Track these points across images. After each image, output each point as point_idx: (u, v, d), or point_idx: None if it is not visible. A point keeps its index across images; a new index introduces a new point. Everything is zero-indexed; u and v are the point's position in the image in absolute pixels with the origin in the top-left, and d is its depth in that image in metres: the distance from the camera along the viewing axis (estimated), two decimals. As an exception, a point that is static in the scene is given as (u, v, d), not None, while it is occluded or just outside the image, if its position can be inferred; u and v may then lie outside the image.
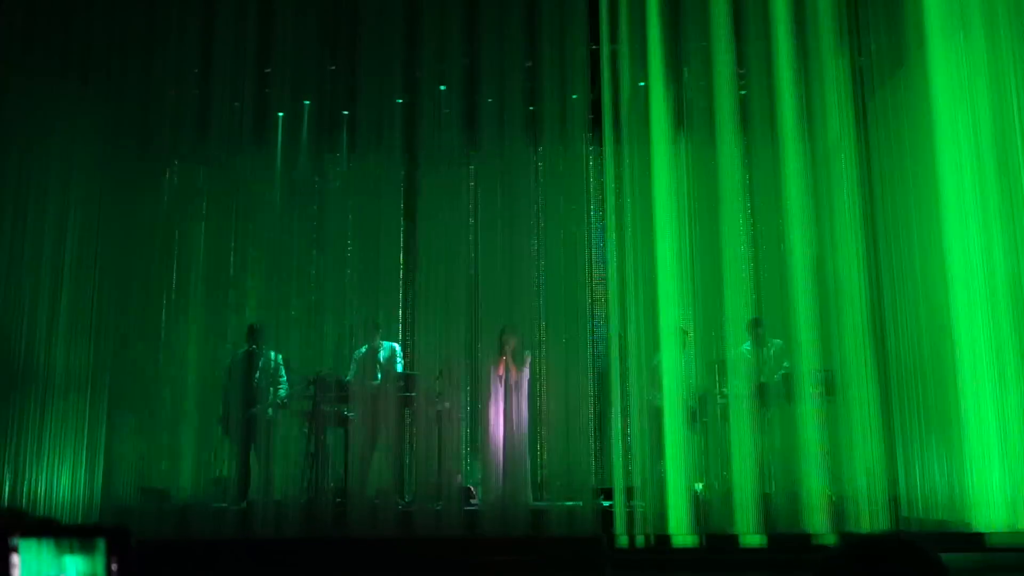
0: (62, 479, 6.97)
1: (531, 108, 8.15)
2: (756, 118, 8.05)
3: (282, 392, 7.84)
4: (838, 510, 7.08)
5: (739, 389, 7.68)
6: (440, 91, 7.95)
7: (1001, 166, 6.74)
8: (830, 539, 6.32)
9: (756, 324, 7.90)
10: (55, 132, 7.40)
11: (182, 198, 7.74)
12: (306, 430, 7.68)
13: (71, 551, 1.92)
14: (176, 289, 7.55)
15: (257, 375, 7.90)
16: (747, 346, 7.99)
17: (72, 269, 7.26)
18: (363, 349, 8.07)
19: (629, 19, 7.61)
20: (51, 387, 7.08)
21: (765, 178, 7.94)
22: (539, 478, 7.72)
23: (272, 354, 7.89)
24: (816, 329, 7.39)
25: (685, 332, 7.66)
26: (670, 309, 7.52)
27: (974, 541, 6.20)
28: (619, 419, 7.44)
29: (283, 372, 7.89)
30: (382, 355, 7.98)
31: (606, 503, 7.41)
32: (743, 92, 8.15)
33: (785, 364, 7.71)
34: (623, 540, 6.61)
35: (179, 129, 7.80)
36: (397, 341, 8.04)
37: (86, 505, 6.92)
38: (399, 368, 7.87)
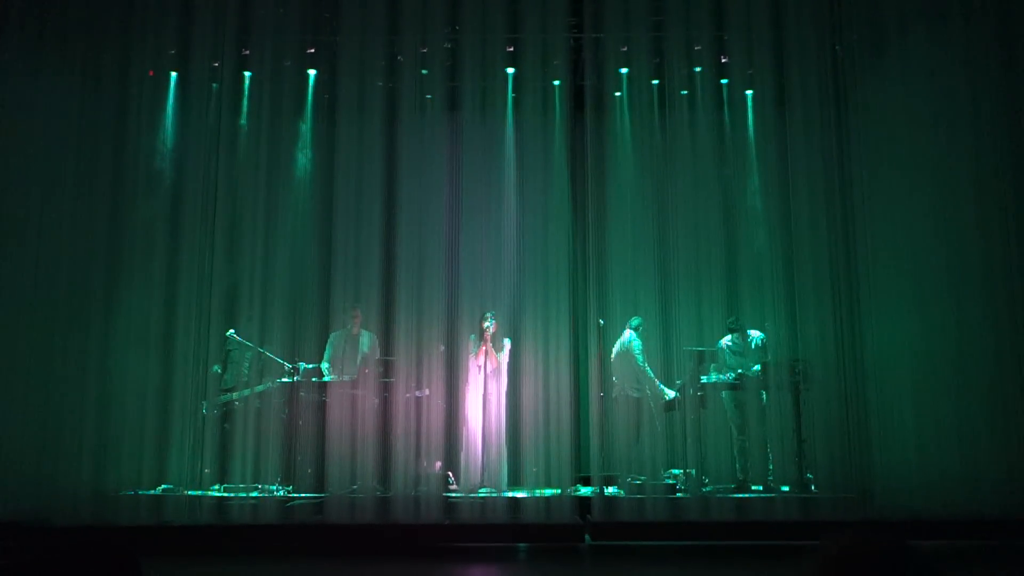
0: (45, 468, 6.91)
1: (512, 93, 8.11)
2: (737, 107, 8.11)
3: (261, 382, 7.79)
4: (813, 499, 7.18)
5: (719, 379, 7.76)
6: (422, 75, 7.89)
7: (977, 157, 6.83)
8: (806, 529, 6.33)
9: (735, 319, 7.95)
10: (30, 110, 7.29)
11: (159, 181, 7.62)
12: (284, 416, 7.65)
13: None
14: (154, 275, 7.45)
15: (241, 362, 7.86)
16: (729, 339, 8.04)
17: (44, 251, 7.17)
18: (338, 332, 8.04)
19: (611, 5, 7.58)
20: (31, 377, 7.02)
21: (742, 166, 7.99)
22: (517, 465, 7.73)
23: (250, 342, 7.83)
24: (792, 321, 7.47)
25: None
26: (649, 297, 7.57)
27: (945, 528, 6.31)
28: (597, 407, 7.48)
29: (261, 359, 7.84)
30: (364, 344, 7.97)
31: (584, 490, 7.45)
32: (724, 80, 8.18)
33: (768, 357, 7.77)
34: (601, 527, 6.64)
35: (155, 112, 7.71)
36: (375, 328, 8.00)
37: (69, 494, 6.85)
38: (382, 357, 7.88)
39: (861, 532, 1.63)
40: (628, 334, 7.93)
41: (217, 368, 7.88)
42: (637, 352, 7.85)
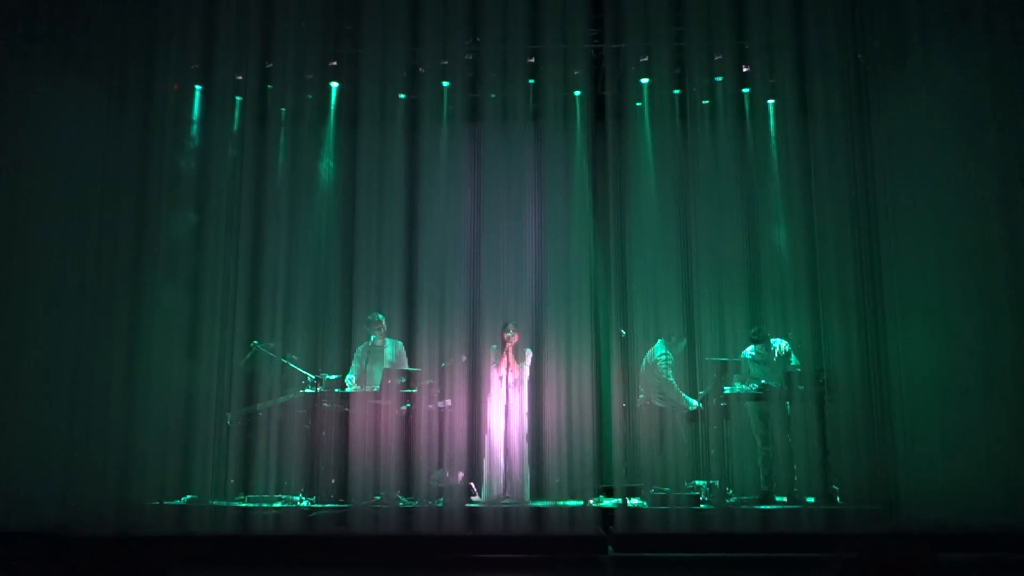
0: (71, 479, 6.96)
1: (533, 104, 8.12)
2: (759, 116, 8.08)
3: (285, 393, 7.84)
4: (838, 510, 7.11)
5: (743, 390, 7.72)
6: (443, 86, 7.93)
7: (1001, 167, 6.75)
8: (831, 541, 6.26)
9: (757, 330, 7.91)
10: (55, 124, 7.38)
11: (184, 194, 7.69)
12: (307, 427, 7.68)
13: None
14: (179, 287, 7.52)
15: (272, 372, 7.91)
16: (752, 349, 8.00)
17: (71, 263, 7.24)
18: (362, 346, 8.08)
19: (632, 16, 7.58)
20: (57, 387, 7.08)
21: (765, 175, 7.95)
22: (540, 476, 7.71)
23: (273, 353, 7.88)
24: (815, 331, 7.41)
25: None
26: (671, 308, 7.53)
27: (973, 540, 6.21)
28: (620, 417, 7.45)
29: (284, 369, 7.88)
30: (389, 353, 8.02)
31: (607, 501, 7.42)
32: (746, 89, 8.15)
33: (793, 363, 7.73)
34: (624, 539, 6.60)
35: (180, 125, 7.77)
36: (399, 337, 8.07)
37: (94, 505, 6.90)
38: (406, 366, 7.90)
39: (881, 541, 1.62)
40: (658, 343, 7.88)
41: (257, 343, 7.86)
42: (661, 361, 7.81)
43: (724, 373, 7.65)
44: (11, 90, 7.15)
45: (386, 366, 7.97)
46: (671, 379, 7.76)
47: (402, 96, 8.00)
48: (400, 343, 8.09)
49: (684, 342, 7.77)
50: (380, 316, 7.96)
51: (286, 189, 7.84)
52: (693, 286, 7.44)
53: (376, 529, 6.83)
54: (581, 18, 7.62)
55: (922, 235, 7.26)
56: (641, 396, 7.84)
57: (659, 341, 7.86)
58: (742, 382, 7.78)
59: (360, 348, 8.11)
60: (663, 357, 7.82)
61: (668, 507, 7.02)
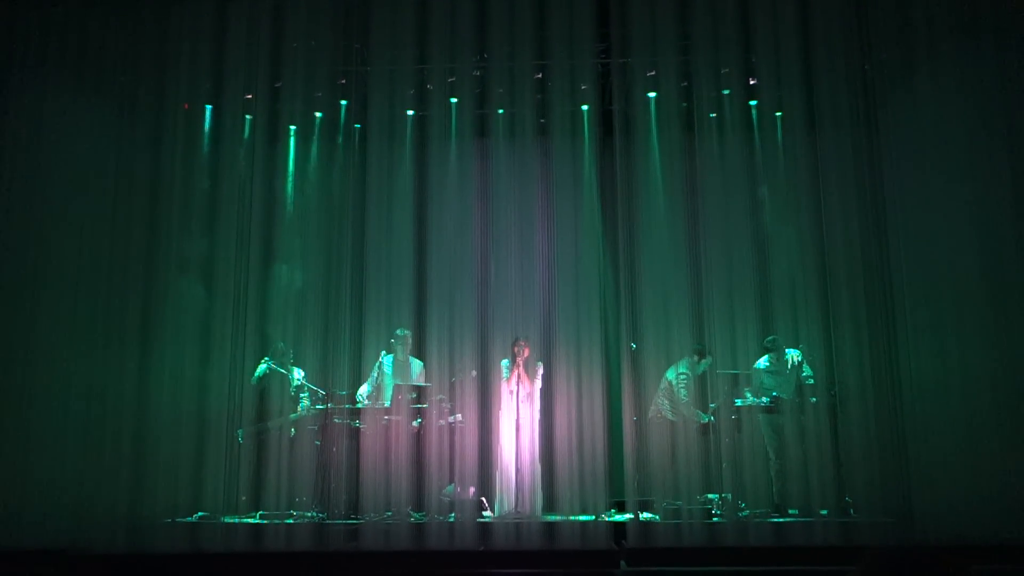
0: (84, 496, 6.97)
1: (541, 119, 8.15)
2: (767, 129, 8.09)
3: (303, 405, 7.86)
4: (852, 523, 7.06)
5: (754, 403, 7.69)
6: (451, 103, 7.98)
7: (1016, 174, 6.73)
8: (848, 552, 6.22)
9: (772, 339, 7.90)
10: (68, 144, 7.44)
11: (195, 213, 7.73)
12: (318, 443, 7.69)
13: None
14: (189, 305, 7.56)
15: (292, 388, 7.93)
16: (765, 360, 7.98)
17: (83, 282, 7.29)
18: (387, 358, 8.08)
19: (639, 30, 7.62)
20: (70, 405, 7.11)
21: (774, 187, 7.95)
22: (551, 491, 7.69)
23: (296, 370, 7.93)
24: (827, 343, 7.39)
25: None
26: (682, 321, 7.52)
27: (989, 552, 6.15)
28: (632, 431, 7.44)
29: (307, 387, 7.92)
30: (413, 372, 8.03)
31: (619, 515, 7.39)
32: (753, 102, 8.17)
33: (806, 373, 7.72)
34: (636, 553, 6.57)
35: (191, 144, 7.82)
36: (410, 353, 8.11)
37: (107, 522, 6.90)
38: (422, 384, 7.91)
39: (907, 547, 1.60)
40: (681, 361, 7.86)
41: (268, 359, 7.88)
42: (673, 374, 7.81)
43: (736, 386, 7.64)
44: (24, 108, 7.24)
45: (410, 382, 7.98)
46: (684, 398, 7.76)
47: (410, 113, 8.09)
48: (421, 363, 8.08)
49: (709, 359, 7.75)
50: (406, 331, 7.97)
51: (296, 206, 7.89)
52: (703, 299, 7.43)
53: (388, 545, 6.82)
54: (588, 33, 7.67)
55: (933, 246, 7.24)
56: (653, 408, 7.83)
57: (683, 360, 7.84)
58: (754, 394, 7.77)
59: (381, 363, 8.08)
60: (682, 376, 7.81)
61: (681, 521, 6.99)
